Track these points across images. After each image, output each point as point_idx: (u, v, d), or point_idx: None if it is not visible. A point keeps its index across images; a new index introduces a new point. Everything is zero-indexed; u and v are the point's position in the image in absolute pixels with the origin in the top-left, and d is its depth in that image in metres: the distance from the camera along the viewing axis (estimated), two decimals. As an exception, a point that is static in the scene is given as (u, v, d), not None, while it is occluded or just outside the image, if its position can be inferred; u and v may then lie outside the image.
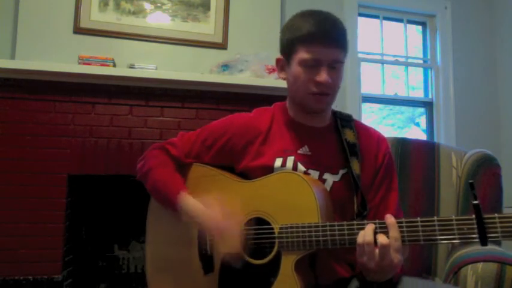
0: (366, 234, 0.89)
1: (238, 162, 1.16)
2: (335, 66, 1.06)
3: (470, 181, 0.85)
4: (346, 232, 0.93)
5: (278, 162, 1.10)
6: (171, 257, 1.19)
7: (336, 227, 0.94)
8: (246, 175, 1.14)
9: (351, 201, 1.09)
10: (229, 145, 1.16)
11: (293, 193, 1.01)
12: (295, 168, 1.09)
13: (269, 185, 1.06)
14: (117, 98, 2.38)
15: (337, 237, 0.94)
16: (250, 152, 1.14)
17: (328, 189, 1.09)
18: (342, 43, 1.06)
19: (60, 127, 2.29)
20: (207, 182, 1.16)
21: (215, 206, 1.05)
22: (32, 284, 2.17)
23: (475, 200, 0.81)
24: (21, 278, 2.17)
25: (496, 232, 0.80)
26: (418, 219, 0.87)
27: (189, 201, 1.09)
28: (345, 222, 0.94)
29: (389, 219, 0.90)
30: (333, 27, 1.05)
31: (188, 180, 1.19)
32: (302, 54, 1.05)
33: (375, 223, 0.91)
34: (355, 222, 0.94)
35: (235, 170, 1.17)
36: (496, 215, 0.80)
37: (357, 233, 0.92)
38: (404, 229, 0.89)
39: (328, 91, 1.07)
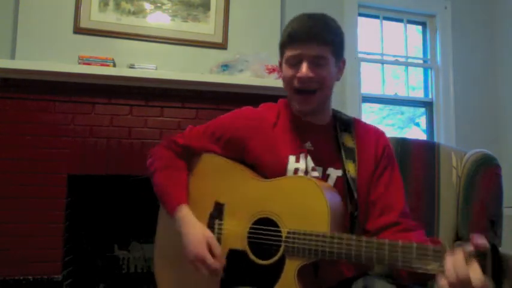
0: (456, 265, 0.75)
1: (247, 154, 1.17)
2: (319, 63, 1.08)
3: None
4: (353, 248, 0.91)
5: (292, 159, 1.11)
6: (179, 251, 1.19)
7: (344, 241, 0.92)
8: (258, 169, 1.16)
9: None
10: (236, 136, 1.18)
11: (305, 198, 1.01)
12: (306, 163, 1.10)
13: (283, 188, 1.06)
14: (117, 98, 2.38)
15: (343, 251, 0.92)
16: (259, 143, 1.16)
17: (332, 183, 1.10)
18: (324, 39, 1.07)
19: (60, 127, 2.29)
20: (223, 175, 1.18)
21: (201, 232, 1.08)
22: (32, 284, 2.17)
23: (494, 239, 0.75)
24: (21, 278, 2.16)
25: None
26: (430, 246, 0.82)
27: (183, 220, 1.12)
28: (354, 237, 0.92)
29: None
30: (313, 24, 1.08)
31: (204, 171, 1.21)
32: (287, 54, 1.11)
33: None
34: (363, 238, 0.91)
35: (246, 161, 1.18)
36: None
37: (363, 250, 0.89)
38: (414, 255, 0.83)
39: (312, 86, 1.09)
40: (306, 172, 1.10)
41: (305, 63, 1.07)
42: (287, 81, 1.12)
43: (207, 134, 1.22)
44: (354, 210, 1.07)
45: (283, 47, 1.13)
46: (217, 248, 1.07)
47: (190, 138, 1.24)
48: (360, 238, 0.91)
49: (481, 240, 0.76)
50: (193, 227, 1.10)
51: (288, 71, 1.11)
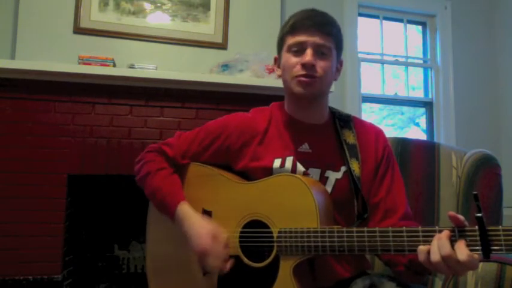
0: (441, 245, 0.79)
1: (235, 162, 1.15)
2: (323, 52, 1.07)
3: (475, 192, 0.79)
4: (345, 239, 0.91)
5: (277, 163, 1.09)
6: (171, 256, 1.19)
7: (336, 234, 0.92)
8: (245, 174, 1.14)
9: (353, 201, 1.08)
10: (226, 145, 1.16)
11: (292, 196, 0.99)
12: (294, 168, 1.08)
13: (268, 188, 1.05)
14: (117, 98, 2.38)
15: (336, 244, 0.92)
16: (248, 153, 1.14)
17: (331, 187, 1.08)
18: (327, 30, 1.08)
19: (60, 127, 2.29)
20: (207, 182, 1.16)
21: (206, 225, 1.05)
22: (32, 284, 2.17)
23: (479, 212, 0.77)
24: (21, 278, 2.16)
25: (499, 245, 0.76)
26: (419, 228, 0.85)
27: (185, 215, 1.08)
28: (344, 229, 0.92)
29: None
30: (316, 16, 1.09)
31: (188, 179, 1.19)
32: (289, 42, 1.09)
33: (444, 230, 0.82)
34: (354, 228, 0.92)
35: (233, 168, 1.16)
36: (501, 227, 0.77)
37: (355, 240, 0.90)
38: (405, 238, 0.86)
39: (314, 74, 1.07)
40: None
41: (310, 50, 1.06)
42: (289, 68, 1.08)
43: (195, 142, 1.19)
44: (362, 212, 1.06)
45: (282, 38, 1.12)
46: (222, 240, 1.02)
47: (179, 148, 1.20)
48: (351, 229, 0.92)
49: (459, 217, 0.80)
50: (198, 220, 1.07)
51: (290, 59, 1.08)
